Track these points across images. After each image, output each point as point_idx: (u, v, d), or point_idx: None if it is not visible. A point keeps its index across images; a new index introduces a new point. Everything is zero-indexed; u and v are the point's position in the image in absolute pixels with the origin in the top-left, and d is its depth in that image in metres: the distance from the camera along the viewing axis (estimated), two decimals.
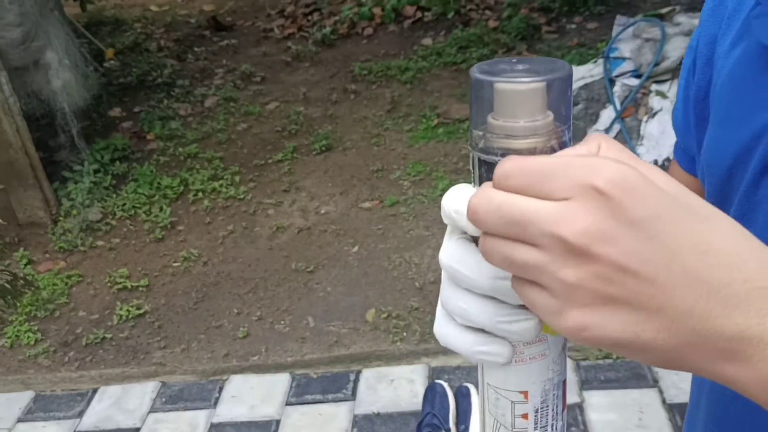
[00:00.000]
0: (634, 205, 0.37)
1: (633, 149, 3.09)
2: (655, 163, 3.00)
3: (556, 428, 0.51)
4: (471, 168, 0.48)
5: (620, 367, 2.38)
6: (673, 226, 0.38)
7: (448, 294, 0.47)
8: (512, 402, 0.50)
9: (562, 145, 0.45)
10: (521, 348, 0.48)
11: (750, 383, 0.39)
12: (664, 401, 2.24)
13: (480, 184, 0.46)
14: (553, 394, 0.50)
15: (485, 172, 0.45)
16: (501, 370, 0.49)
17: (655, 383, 2.30)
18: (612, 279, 0.38)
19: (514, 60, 0.46)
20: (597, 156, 0.40)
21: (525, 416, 0.50)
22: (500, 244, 0.41)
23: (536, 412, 0.50)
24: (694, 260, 0.38)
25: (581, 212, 0.38)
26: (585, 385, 2.33)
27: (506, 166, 0.41)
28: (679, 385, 2.28)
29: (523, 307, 0.45)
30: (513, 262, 0.41)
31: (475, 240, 0.46)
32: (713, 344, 0.38)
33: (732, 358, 0.39)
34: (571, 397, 2.29)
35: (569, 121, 0.45)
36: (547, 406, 0.50)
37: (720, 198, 0.64)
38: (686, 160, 0.75)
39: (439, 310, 0.49)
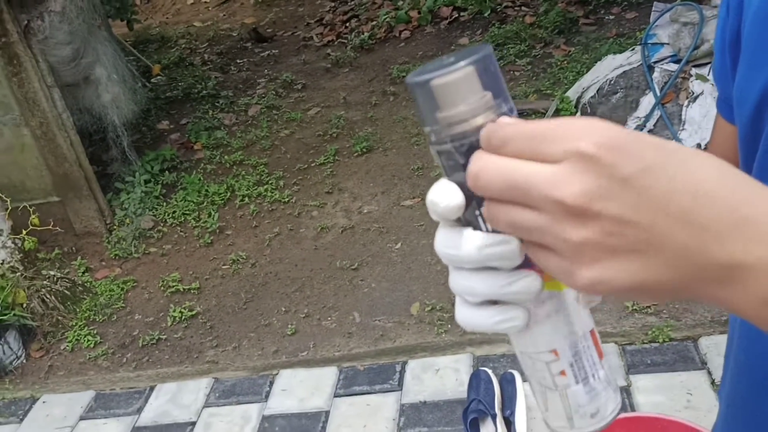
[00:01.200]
0: (623, 161, 0.40)
1: (675, 135, 3.07)
2: (699, 147, 2.97)
3: (597, 377, 0.52)
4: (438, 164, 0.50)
5: (667, 351, 2.36)
6: (663, 174, 0.40)
7: (452, 278, 0.50)
8: (546, 363, 0.51)
9: (507, 116, 0.47)
10: (535, 309, 0.49)
11: (744, 305, 0.42)
12: (713, 382, 2.22)
13: (447, 174, 0.48)
14: (584, 345, 0.51)
15: (445, 160, 0.47)
16: (525, 335, 0.50)
17: (703, 365, 2.28)
18: (613, 232, 0.41)
19: (443, 58, 0.48)
20: (586, 119, 0.43)
21: (563, 373, 0.51)
22: (505, 209, 0.43)
23: (572, 366, 0.51)
24: (685, 202, 0.41)
25: (577, 174, 0.40)
26: (631, 369, 2.33)
27: (504, 132, 0.43)
28: None
29: (518, 268, 0.47)
30: (518, 226, 0.43)
31: (458, 222, 0.49)
32: (710, 273, 0.41)
33: (727, 283, 0.42)
34: (618, 381, 2.28)
35: (504, 93, 0.47)
36: (581, 358, 0.51)
37: (750, 136, 0.66)
38: (727, 110, 0.76)
39: (456, 299, 0.52)
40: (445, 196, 0.47)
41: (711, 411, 2.13)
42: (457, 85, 0.46)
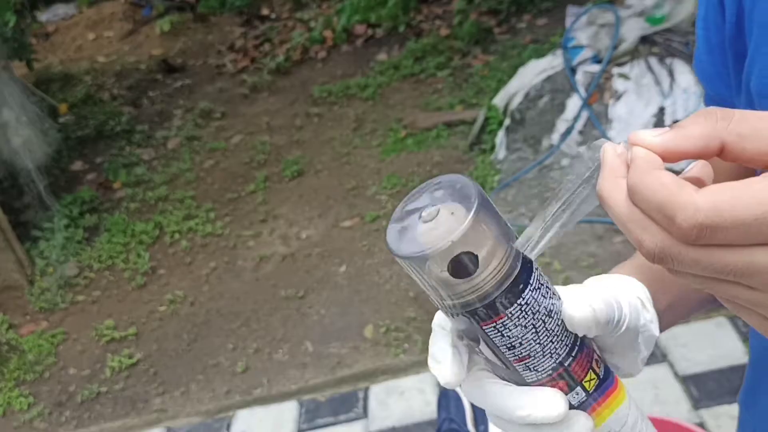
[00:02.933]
0: None
1: (603, 134, 3.12)
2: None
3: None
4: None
5: None
6: None
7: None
8: None
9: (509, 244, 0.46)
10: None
11: None
12: (676, 374, 2.24)
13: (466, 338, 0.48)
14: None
15: (472, 318, 0.46)
16: None
17: (663, 358, 2.30)
18: None
19: (411, 207, 0.47)
20: None
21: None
22: (724, 287, 0.39)
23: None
24: None
25: None
26: None
27: (710, 218, 0.35)
28: (687, 357, 2.28)
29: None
30: (738, 302, 0.40)
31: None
32: None
33: None
34: None
35: (507, 229, 0.46)
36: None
37: None
38: None
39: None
40: (545, 407, 0.47)
41: (678, 402, 2.15)
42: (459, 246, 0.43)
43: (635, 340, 0.55)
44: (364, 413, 2.39)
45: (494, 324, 0.46)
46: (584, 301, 0.48)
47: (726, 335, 2.31)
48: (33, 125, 3.51)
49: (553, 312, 0.47)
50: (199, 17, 6.16)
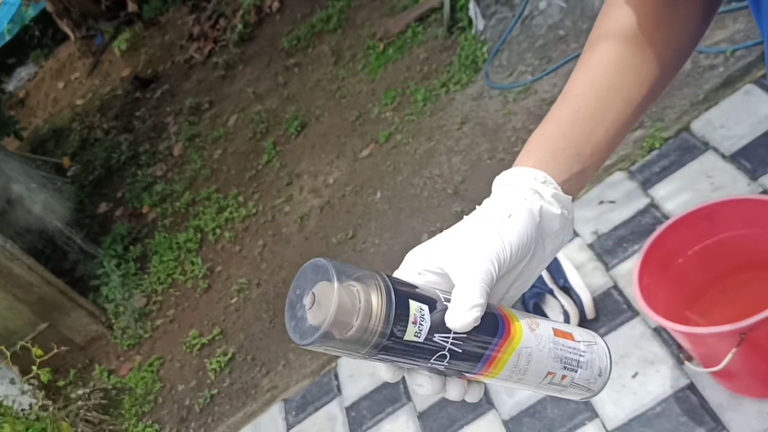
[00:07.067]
0: None
1: None
2: None
3: (582, 352, 0.63)
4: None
5: (668, 151, 2.35)
6: None
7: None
8: (549, 383, 0.62)
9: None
10: (517, 364, 0.60)
11: None
12: (723, 156, 2.22)
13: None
14: (560, 348, 0.61)
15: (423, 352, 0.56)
16: (524, 382, 0.61)
17: (706, 146, 2.28)
18: None
19: (291, 300, 0.56)
20: None
21: (563, 377, 0.62)
22: None
23: (565, 368, 0.62)
24: None
25: None
26: (647, 185, 2.32)
27: None
28: (729, 135, 2.26)
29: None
30: None
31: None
32: None
33: None
34: (640, 203, 2.28)
35: (354, 270, 0.55)
36: (566, 357, 0.62)
37: None
38: None
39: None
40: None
41: (735, 181, 2.14)
42: (345, 307, 0.52)
43: (534, 255, 0.61)
44: None
45: (403, 347, 0.55)
46: (461, 311, 0.55)
47: (757, 99, 2.27)
48: (45, 188, 3.58)
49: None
50: (149, 23, 6.10)
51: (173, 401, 3.04)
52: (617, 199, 2.34)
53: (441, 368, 0.57)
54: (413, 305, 0.55)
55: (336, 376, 2.57)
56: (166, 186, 4.19)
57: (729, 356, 1.48)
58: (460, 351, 0.57)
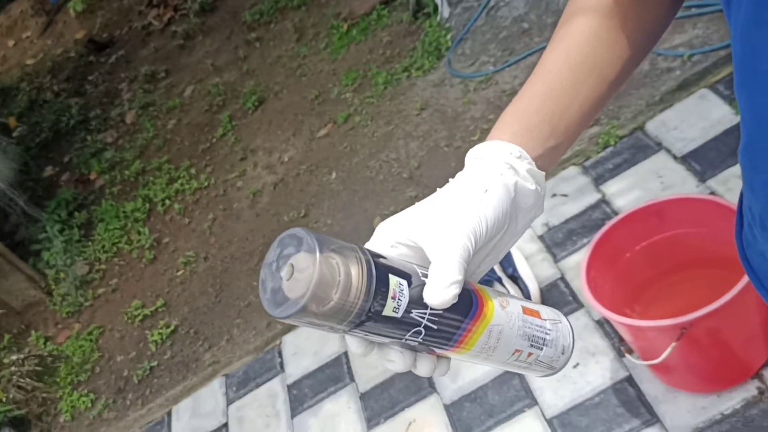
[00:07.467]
0: None
1: None
2: None
3: (548, 330, 0.64)
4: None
5: (622, 149, 2.39)
6: None
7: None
8: (516, 359, 0.63)
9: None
10: (487, 341, 0.59)
11: None
12: (675, 157, 2.27)
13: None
14: (528, 326, 0.62)
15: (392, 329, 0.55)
16: (492, 359, 0.61)
17: (659, 146, 2.33)
18: None
19: (266, 269, 0.53)
20: None
21: (530, 354, 0.63)
22: None
23: (531, 345, 0.63)
24: None
25: None
26: (599, 180, 2.35)
27: None
28: (681, 137, 2.30)
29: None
30: None
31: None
32: None
33: None
34: (591, 198, 2.31)
35: (335, 242, 0.53)
36: (533, 334, 0.63)
37: None
38: None
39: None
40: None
41: (684, 182, 2.18)
42: (325, 280, 0.50)
43: (507, 230, 0.61)
44: None
45: (381, 323, 0.54)
46: (440, 287, 0.54)
47: (710, 104, 2.32)
48: None
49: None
50: None
51: (111, 371, 2.98)
52: (570, 193, 2.37)
53: (414, 344, 0.57)
54: (393, 280, 0.53)
55: (279, 354, 2.55)
56: (116, 153, 4.09)
57: (668, 350, 1.51)
58: (435, 327, 0.56)
